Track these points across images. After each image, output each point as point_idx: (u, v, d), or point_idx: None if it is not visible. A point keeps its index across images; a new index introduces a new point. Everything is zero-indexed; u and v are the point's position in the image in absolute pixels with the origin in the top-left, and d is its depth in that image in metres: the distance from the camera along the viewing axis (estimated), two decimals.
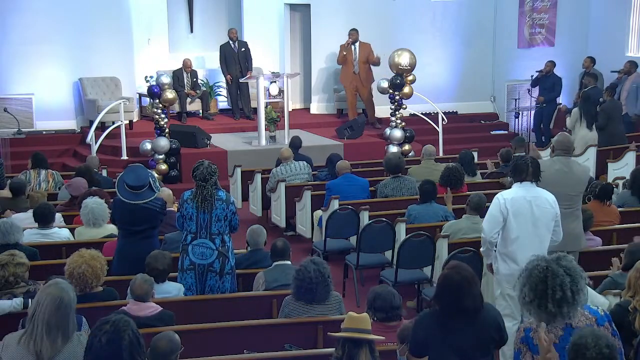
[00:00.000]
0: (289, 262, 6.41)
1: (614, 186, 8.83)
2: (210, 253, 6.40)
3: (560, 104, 15.39)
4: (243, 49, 14.68)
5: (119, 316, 4.05)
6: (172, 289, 6.25)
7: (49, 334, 4.17)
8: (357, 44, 14.51)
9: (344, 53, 14.54)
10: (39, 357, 4.17)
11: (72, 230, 7.79)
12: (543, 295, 3.92)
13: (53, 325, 4.18)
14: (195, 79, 14.74)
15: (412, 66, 13.23)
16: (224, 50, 14.62)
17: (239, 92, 14.81)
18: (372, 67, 14.63)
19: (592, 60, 14.61)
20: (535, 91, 14.97)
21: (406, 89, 13.29)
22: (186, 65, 14.59)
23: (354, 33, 14.51)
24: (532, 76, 14.77)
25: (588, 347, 3.58)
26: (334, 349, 4.45)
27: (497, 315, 4.58)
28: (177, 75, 14.35)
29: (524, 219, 5.93)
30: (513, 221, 5.93)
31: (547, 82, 14.58)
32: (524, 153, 9.67)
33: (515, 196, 5.98)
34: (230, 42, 14.63)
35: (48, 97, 13.99)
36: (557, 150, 6.85)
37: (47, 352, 4.17)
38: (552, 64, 14.59)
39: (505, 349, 6.01)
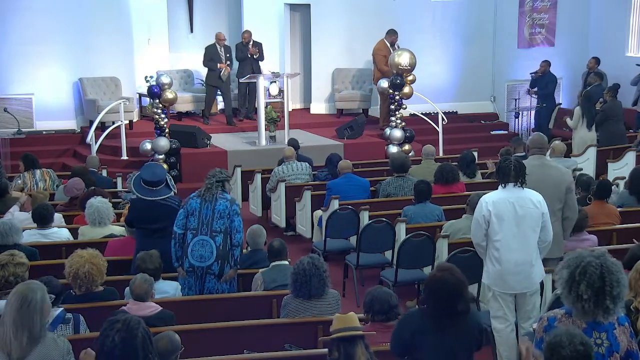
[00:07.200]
0: (286, 262, 6.41)
1: (614, 184, 8.82)
2: (209, 255, 6.40)
3: (560, 103, 15.38)
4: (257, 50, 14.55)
5: (127, 315, 4.01)
6: (170, 288, 6.26)
7: (16, 334, 4.10)
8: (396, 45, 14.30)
9: (384, 55, 14.10)
10: (10, 359, 4.09)
11: (71, 231, 7.79)
12: (600, 292, 3.88)
13: (19, 324, 4.10)
14: (228, 54, 14.43)
15: (412, 66, 13.22)
16: (240, 50, 14.37)
17: (247, 91, 14.74)
18: None
19: (597, 60, 14.63)
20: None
21: (406, 89, 13.28)
22: (219, 38, 14.31)
23: (394, 35, 14.30)
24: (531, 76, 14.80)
25: (563, 345, 3.61)
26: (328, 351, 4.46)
27: (479, 318, 4.66)
28: (209, 50, 14.17)
29: (507, 220, 5.94)
30: (496, 223, 5.95)
31: (542, 81, 14.58)
32: (524, 153, 9.68)
33: (497, 198, 6.01)
34: (244, 43, 14.47)
35: (48, 97, 13.98)
36: (532, 149, 6.89)
37: (16, 352, 4.09)
38: (547, 63, 14.58)
39: (502, 349, 6.03)
